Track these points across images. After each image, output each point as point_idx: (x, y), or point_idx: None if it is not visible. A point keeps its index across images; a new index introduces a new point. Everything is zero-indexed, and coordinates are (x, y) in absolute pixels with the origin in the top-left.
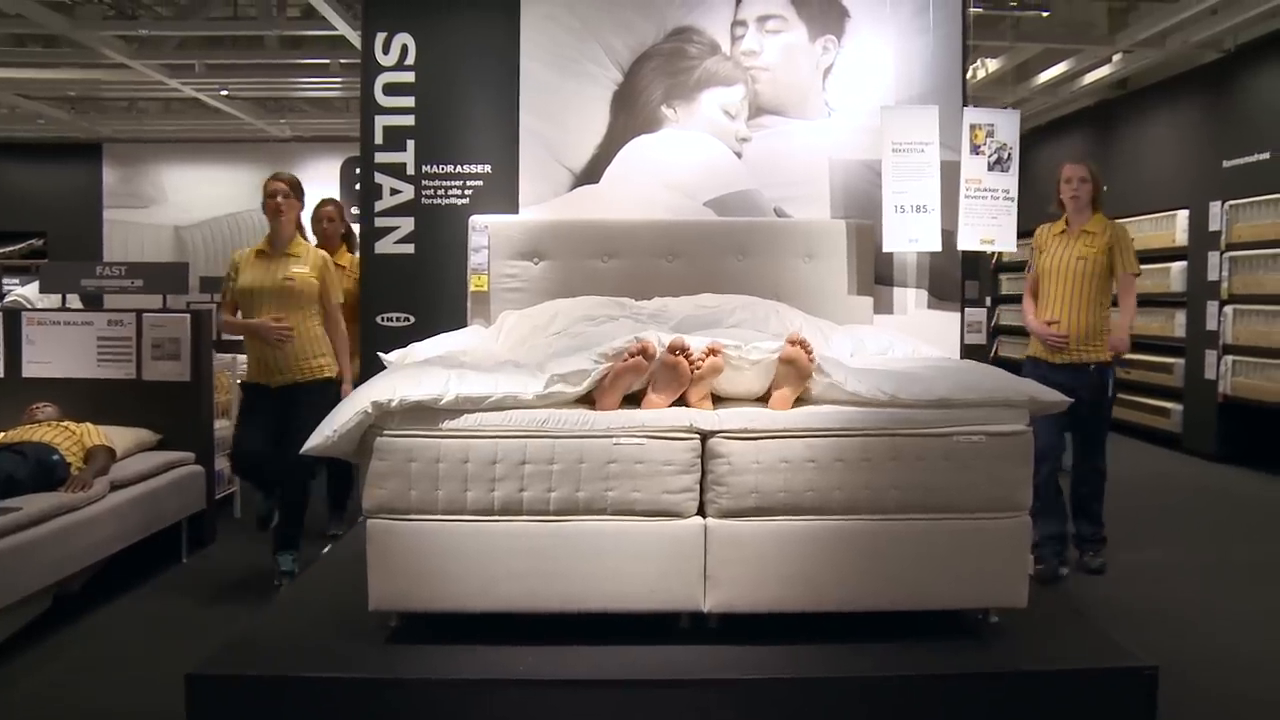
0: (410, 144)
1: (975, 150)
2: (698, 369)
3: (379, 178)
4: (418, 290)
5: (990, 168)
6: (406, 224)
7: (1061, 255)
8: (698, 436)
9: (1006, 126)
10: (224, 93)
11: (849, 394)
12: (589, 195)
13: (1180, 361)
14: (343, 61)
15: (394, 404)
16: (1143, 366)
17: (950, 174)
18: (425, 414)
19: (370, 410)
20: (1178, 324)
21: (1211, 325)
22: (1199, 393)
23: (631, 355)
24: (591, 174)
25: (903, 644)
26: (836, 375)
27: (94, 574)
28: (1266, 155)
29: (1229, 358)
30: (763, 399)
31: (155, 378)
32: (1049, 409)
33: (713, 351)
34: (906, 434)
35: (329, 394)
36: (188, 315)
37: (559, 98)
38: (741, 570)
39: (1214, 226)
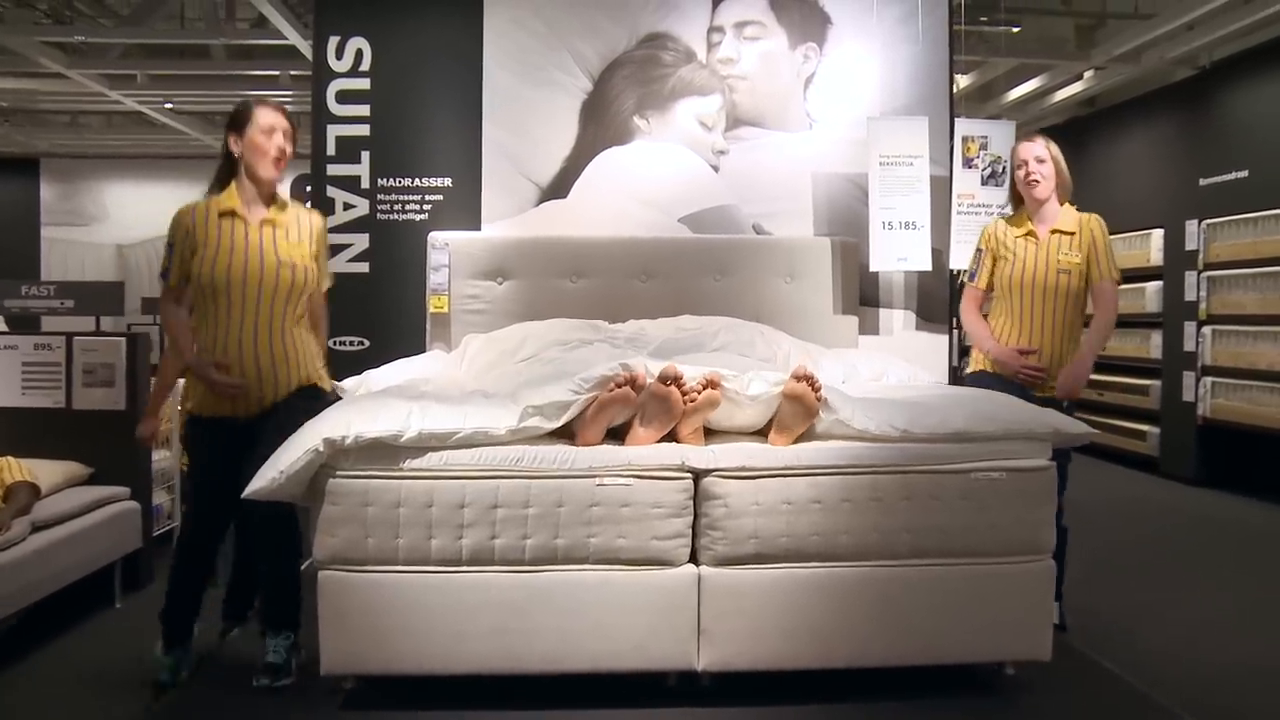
0: (365, 155)
1: (968, 164)
2: (692, 401)
3: (331, 191)
4: (373, 312)
5: (984, 182)
6: (361, 241)
7: (1034, 265)
8: (690, 476)
9: (1001, 138)
10: (168, 106)
11: (857, 431)
12: (557, 211)
13: (1157, 383)
14: (293, 74)
15: (349, 441)
16: (1118, 389)
17: (939, 189)
18: (384, 452)
19: (322, 448)
20: (1154, 345)
21: (1189, 346)
22: (1177, 415)
23: (619, 385)
24: (559, 188)
25: (917, 703)
26: (844, 411)
27: (15, 623)
28: (1244, 173)
29: (1208, 379)
30: (760, 432)
31: (87, 406)
32: (1072, 441)
33: (711, 384)
34: (920, 471)
35: (323, 404)
36: (123, 339)
37: (525, 107)
38: (739, 624)
39: (1191, 246)
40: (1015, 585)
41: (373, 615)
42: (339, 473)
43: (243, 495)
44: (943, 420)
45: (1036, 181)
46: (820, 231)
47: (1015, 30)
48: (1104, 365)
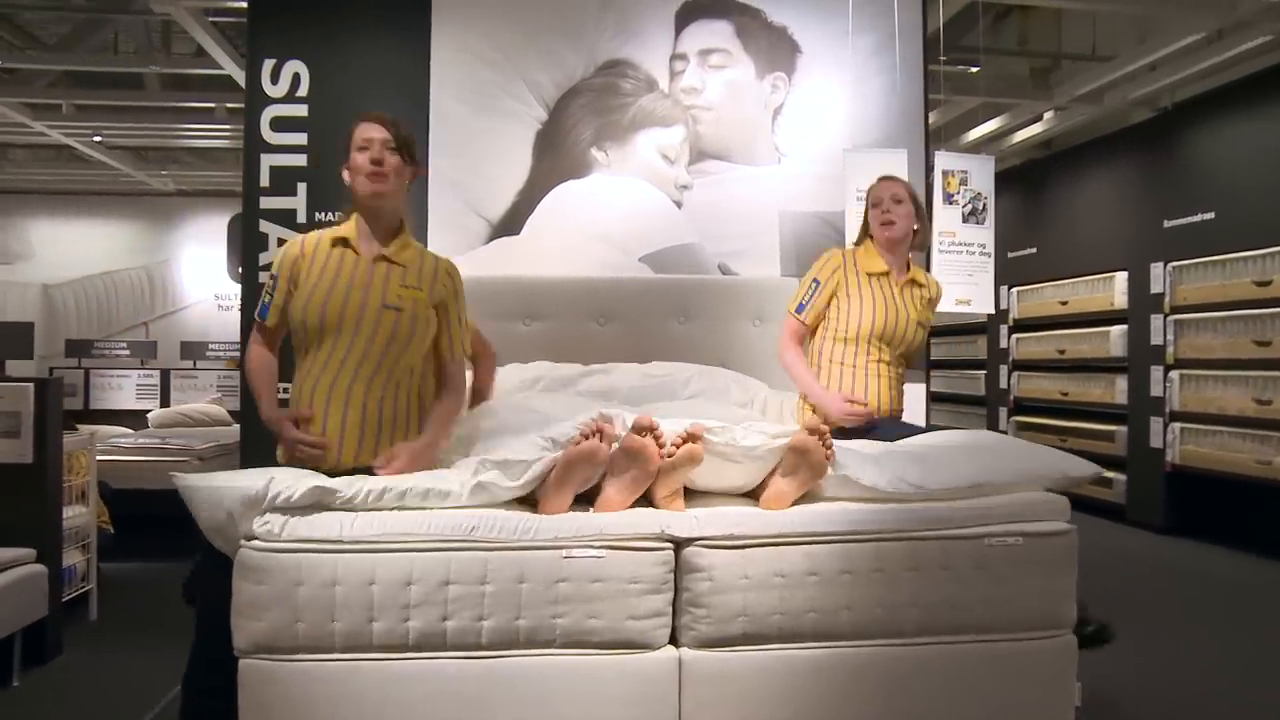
0: (302, 188)
1: (949, 199)
2: (669, 456)
3: (265, 226)
4: None
5: (965, 219)
6: None
7: (883, 308)
8: (671, 545)
9: (981, 174)
10: (97, 139)
11: (866, 488)
12: (508, 248)
13: (1123, 429)
14: (229, 106)
15: (276, 500)
16: (1082, 435)
17: None
18: (316, 518)
19: (237, 510)
20: (1119, 390)
21: (1157, 391)
22: (1144, 462)
23: (585, 436)
24: (511, 224)
25: None
26: (851, 466)
27: None
28: (1211, 215)
29: (1176, 425)
30: (750, 495)
31: None
32: (1078, 483)
33: (692, 437)
34: (929, 537)
35: None
36: (30, 385)
37: (474, 137)
38: (726, 713)
39: (1156, 289)
40: (1034, 664)
41: (304, 711)
42: (263, 543)
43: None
44: (956, 473)
45: (891, 222)
46: (789, 271)
47: (974, 70)
48: (1067, 410)
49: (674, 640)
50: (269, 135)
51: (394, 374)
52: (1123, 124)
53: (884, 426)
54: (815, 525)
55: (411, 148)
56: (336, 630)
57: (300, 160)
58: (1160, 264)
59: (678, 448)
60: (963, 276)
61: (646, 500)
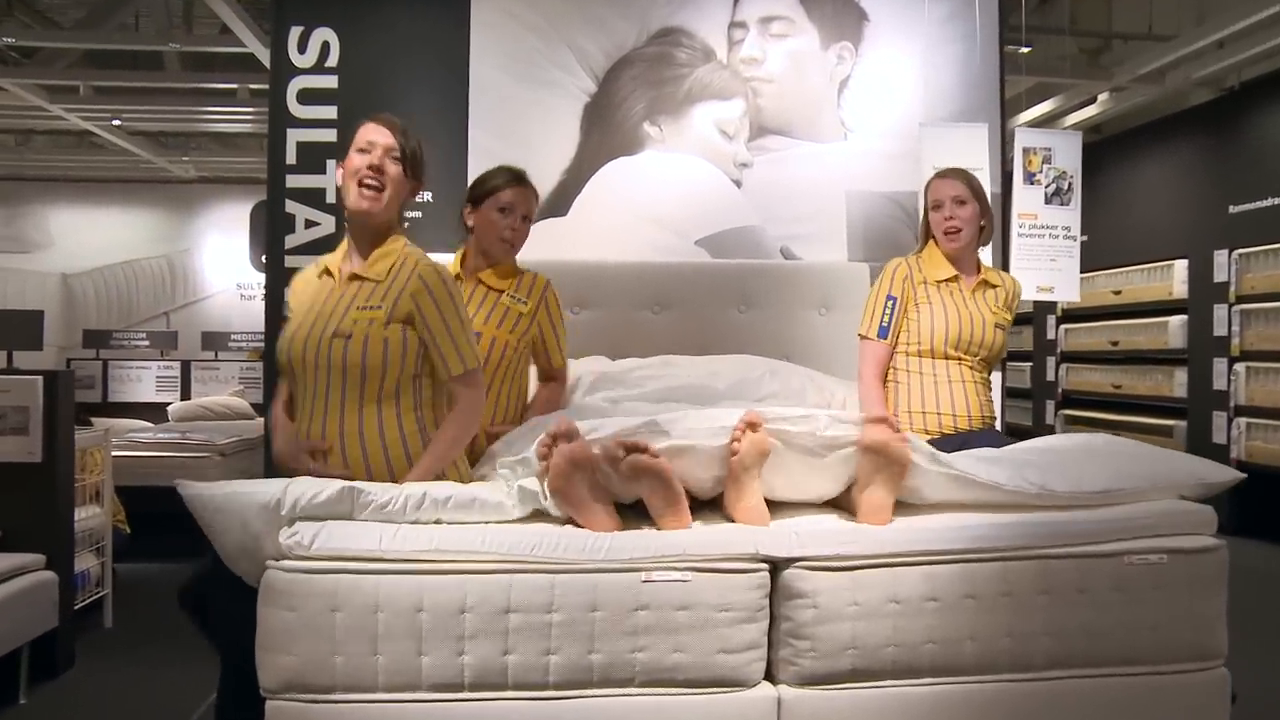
0: (331, 165)
1: (1030, 179)
2: (734, 452)
3: (291, 206)
4: None
5: (1048, 200)
6: None
7: (956, 317)
8: (766, 567)
9: (1067, 151)
10: (116, 123)
11: (986, 486)
12: (554, 231)
13: (1182, 424)
14: (253, 88)
15: (300, 503)
16: (1136, 429)
17: (994, 209)
18: (352, 527)
19: (259, 524)
20: (1178, 383)
21: (1220, 385)
22: (1207, 457)
23: (547, 445)
24: (558, 205)
25: None
26: (960, 462)
27: None
28: None
29: (1242, 419)
30: (835, 505)
31: None
32: (1213, 491)
33: (750, 425)
34: (1062, 555)
35: None
36: (39, 378)
37: (518, 110)
38: None
39: (1220, 277)
40: (1182, 701)
41: None
42: (292, 562)
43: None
44: (1082, 477)
45: (957, 230)
46: (856, 256)
47: (1025, 50)
48: (1119, 404)
49: (770, 676)
50: (296, 109)
51: (369, 407)
52: (1180, 106)
53: (979, 439)
54: (934, 542)
55: (417, 163)
56: (380, 665)
57: (330, 135)
58: (1225, 251)
59: (739, 440)
60: (1044, 262)
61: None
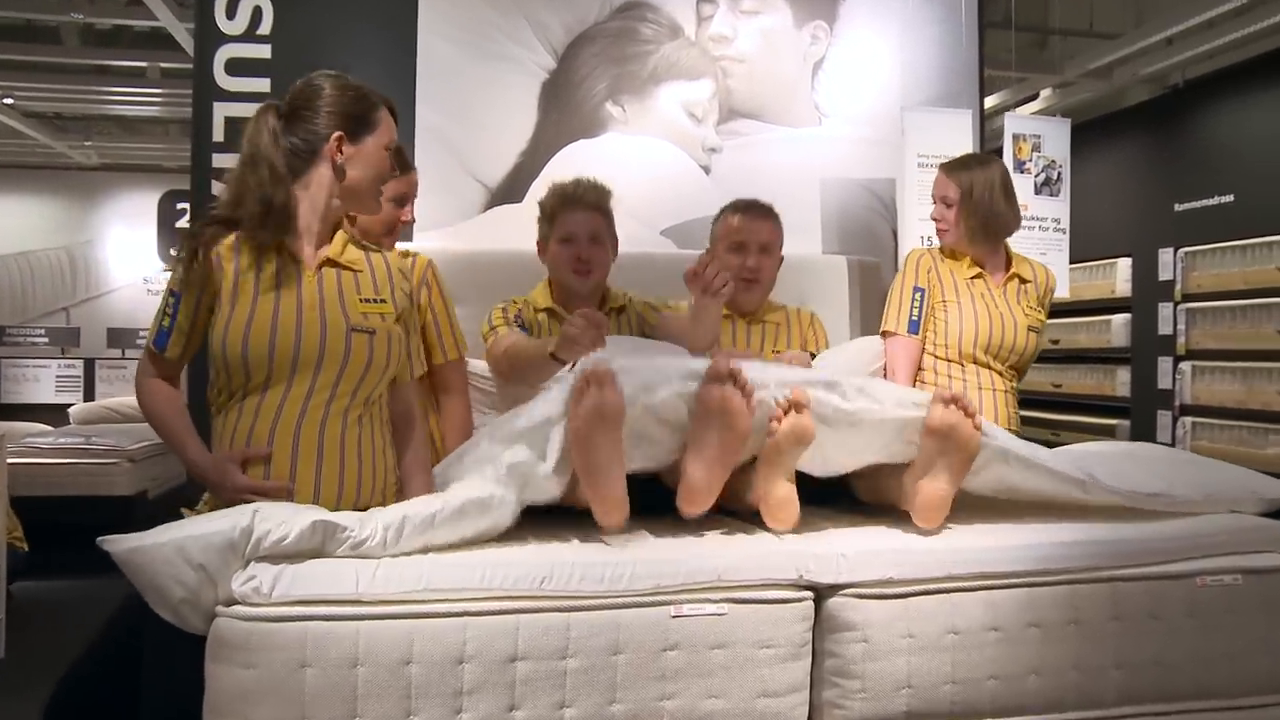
0: None
1: (1020, 168)
2: (771, 430)
3: (219, 188)
4: None
5: (1037, 190)
6: None
7: (986, 317)
8: (811, 595)
9: (1056, 139)
10: (8, 101)
11: (1046, 472)
12: (510, 218)
13: (1124, 423)
14: (164, 67)
15: (264, 543)
16: (1077, 429)
17: None
18: (322, 568)
19: (212, 564)
20: (1120, 382)
21: (1165, 383)
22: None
23: (582, 389)
24: (513, 190)
25: None
26: (1021, 447)
27: None
28: (1230, 198)
29: (1187, 419)
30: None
31: None
32: (1270, 506)
33: (794, 405)
34: (1133, 576)
35: None
36: None
37: (470, 87)
38: None
39: (1165, 275)
40: None
41: None
42: (249, 608)
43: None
44: (1134, 478)
45: (944, 231)
46: (831, 248)
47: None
48: (1059, 403)
49: None
50: (223, 80)
51: (369, 407)
52: (1124, 103)
53: None
54: (996, 563)
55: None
56: None
57: None
58: (1170, 249)
59: (779, 421)
60: (1034, 255)
61: (737, 500)
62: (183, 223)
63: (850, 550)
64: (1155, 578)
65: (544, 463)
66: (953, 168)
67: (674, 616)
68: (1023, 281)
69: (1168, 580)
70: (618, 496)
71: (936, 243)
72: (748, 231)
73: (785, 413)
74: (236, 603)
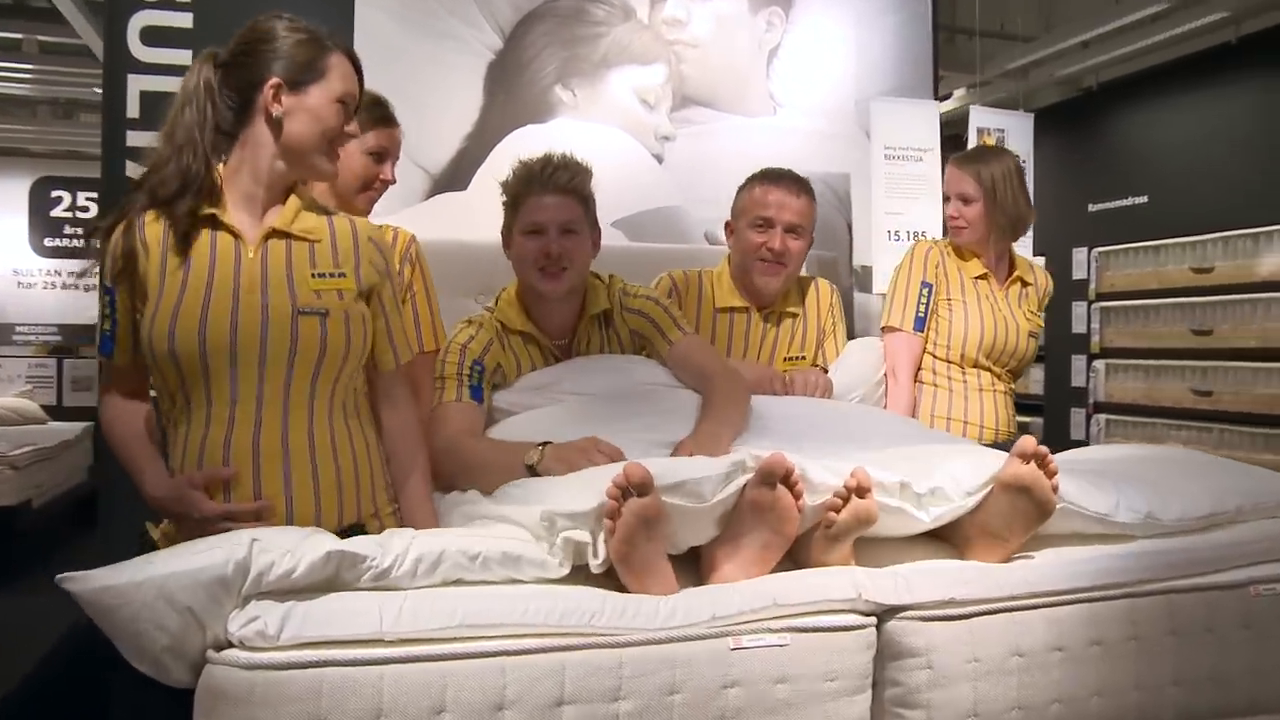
0: None
1: None
2: (829, 525)
3: (133, 169)
4: None
5: None
6: None
7: (991, 321)
8: (873, 621)
9: (1020, 133)
10: None
11: (1093, 518)
12: (453, 206)
13: (1038, 420)
14: (42, 40)
15: (268, 576)
16: None
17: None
18: (336, 604)
19: (200, 604)
20: (1033, 380)
21: (1078, 381)
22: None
23: (616, 498)
24: (457, 177)
25: None
26: (1075, 492)
27: None
28: (1144, 199)
29: (1101, 416)
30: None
31: None
32: None
33: (858, 490)
34: (1187, 587)
35: None
36: None
37: (411, 66)
38: None
39: (1079, 275)
40: None
41: None
42: (251, 654)
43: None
44: (1185, 501)
45: (961, 228)
46: None
47: None
48: None
49: None
50: (139, 51)
51: (340, 401)
52: (1036, 104)
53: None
54: (1057, 580)
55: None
56: None
57: None
58: (1084, 249)
59: (837, 511)
60: None
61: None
62: (61, 211)
63: (908, 569)
64: (1209, 588)
65: (595, 559)
66: (967, 161)
67: (733, 649)
68: (1024, 285)
69: (1221, 590)
70: (668, 587)
71: (904, 238)
72: (776, 207)
73: (845, 500)
74: (232, 647)
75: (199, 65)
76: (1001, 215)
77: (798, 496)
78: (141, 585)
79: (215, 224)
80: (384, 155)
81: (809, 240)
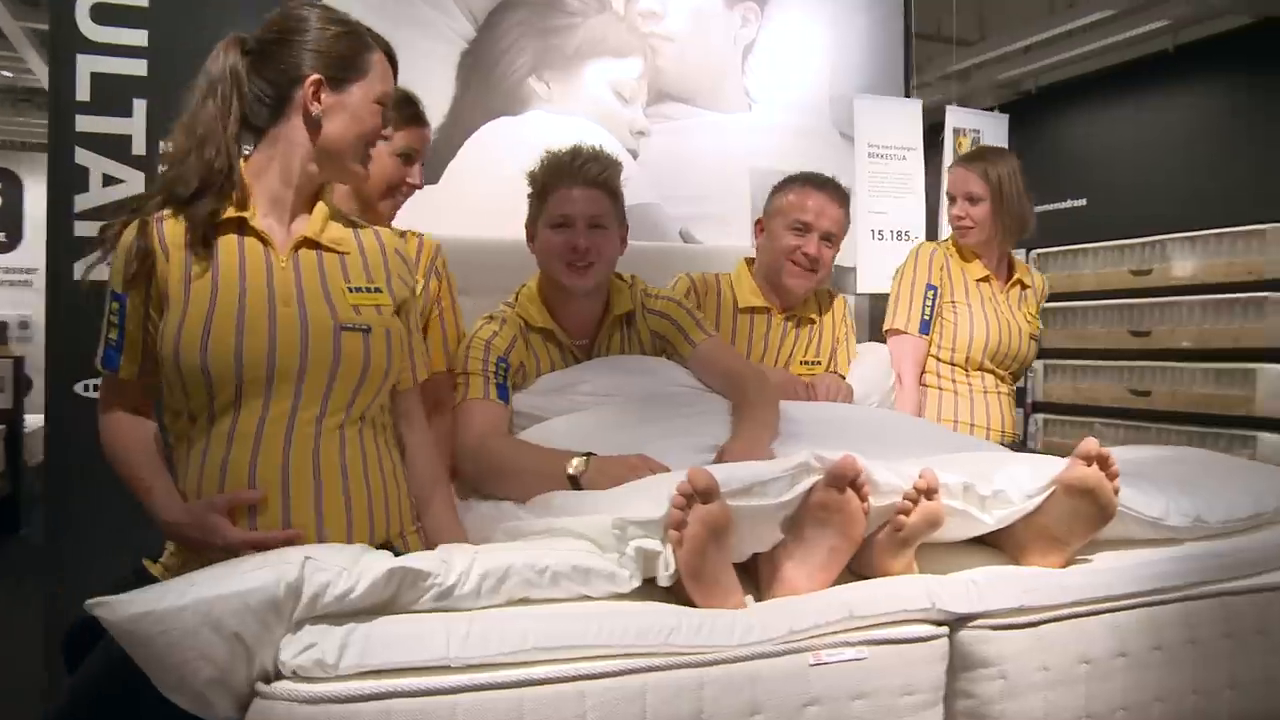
0: (140, 106)
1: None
2: (899, 527)
3: (83, 156)
4: None
5: None
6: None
7: (995, 323)
8: (946, 630)
9: (995, 133)
10: None
11: (1147, 522)
12: (423, 201)
13: None
14: None
15: (325, 597)
16: None
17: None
18: (399, 628)
19: (249, 630)
20: None
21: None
22: None
23: (682, 507)
24: (428, 170)
25: None
26: (1144, 505)
27: None
28: (1083, 202)
29: (1039, 415)
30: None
31: None
32: None
33: (927, 492)
34: (1240, 589)
35: None
36: None
37: None
38: None
39: None
40: None
41: None
42: (310, 688)
43: None
44: (1229, 502)
45: (969, 228)
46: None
47: None
48: None
49: None
50: (89, 29)
51: (371, 421)
52: (976, 107)
53: None
54: (1117, 585)
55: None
56: None
57: (138, 68)
58: (1023, 251)
59: (907, 514)
60: None
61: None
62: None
63: (980, 576)
64: (1260, 589)
65: (665, 570)
66: (972, 160)
67: (813, 665)
68: (1024, 287)
69: (1271, 592)
70: (736, 601)
71: (888, 237)
72: (816, 213)
73: (915, 502)
74: (283, 678)
75: (224, 51)
76: (1007, 215)
77: (864, 499)
78: (184, 611)
79: (242, 228)
80: (412, 157)
81: (837, 251)
